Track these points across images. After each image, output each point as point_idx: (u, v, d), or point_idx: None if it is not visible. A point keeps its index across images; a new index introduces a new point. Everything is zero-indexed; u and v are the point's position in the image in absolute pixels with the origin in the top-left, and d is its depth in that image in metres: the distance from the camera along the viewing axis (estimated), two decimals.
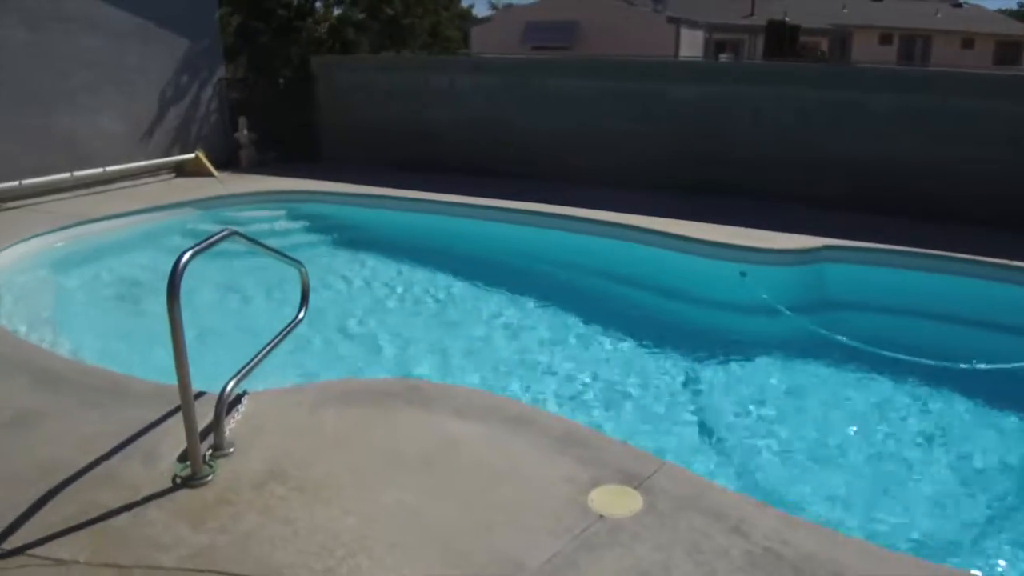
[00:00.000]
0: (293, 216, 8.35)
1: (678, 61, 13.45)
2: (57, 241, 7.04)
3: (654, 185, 8.68)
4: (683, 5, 24.89)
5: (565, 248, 7.34)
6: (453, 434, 3.37)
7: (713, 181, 8.58)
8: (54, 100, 8.61)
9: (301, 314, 4.09)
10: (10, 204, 8.02)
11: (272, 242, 7.76)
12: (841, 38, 29.61)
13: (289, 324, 3.94)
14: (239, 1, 11.16)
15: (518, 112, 9.57)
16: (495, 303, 6.63)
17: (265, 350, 3.57)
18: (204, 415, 3.22)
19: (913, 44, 33.77)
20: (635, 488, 3.02)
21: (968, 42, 34.65)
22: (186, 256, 2.82)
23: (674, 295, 6.66)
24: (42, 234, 6.95)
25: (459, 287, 6.99)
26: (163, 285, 2.76)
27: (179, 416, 3.45)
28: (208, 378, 3.49)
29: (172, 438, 3.27)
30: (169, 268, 2.79)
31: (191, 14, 9.98)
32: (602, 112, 9.07)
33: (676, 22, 23.44)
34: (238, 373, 3.34)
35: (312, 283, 6.85)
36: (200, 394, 3.63)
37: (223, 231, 3.24)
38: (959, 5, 38.84)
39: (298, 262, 4.14)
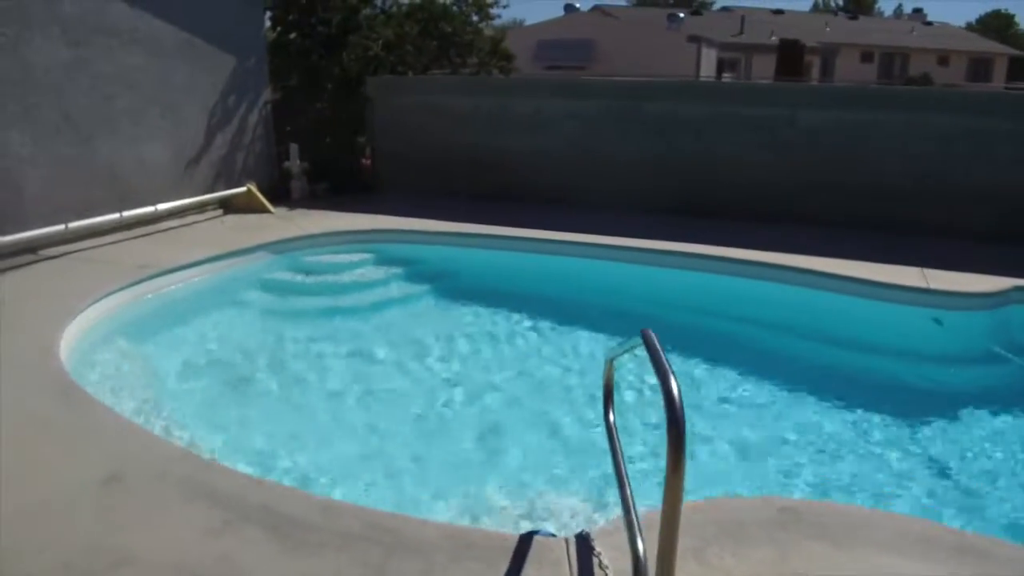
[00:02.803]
0: (383, 260, 7.21)
1: (805, 85, 12.77)
2: (129, 299, 5.80)
3: (780, 218, 7.86)
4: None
5: (723, 296, 6.40)
6: None
7: (846, 213, 7.84)
8: (94, 126, 7.35)
9: (612, 416, 3.06)
10: (53, 251, 6.74)
11: (371, 294, 6.75)
12: (829, 56, 29.65)
13: (611, 431, 2.92)
14: (278, 16, 10.00)
15: (613, 140, 8.64)
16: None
17: (623, 474, 2.56)
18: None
19: (892, 61, 34.13)
20: None
21: (943, 59, 35.22)
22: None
23: (870, 349, 5.78)
24: (113, 292, 5.71)
25: (604, 344, 5.93)
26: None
27: None
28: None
29: None
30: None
31: (238, 28, 8.82)
32: (717, 140, 8.21)
33: (697, 41, 22.88)
34: (633, 519, 2.32)
35: (439, 346, 5.89)
36: (533, 534, 2.60)
37: (641, 337, 2.26)
38: (930, 23, 39.58)
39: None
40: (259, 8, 9.14)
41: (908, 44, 34.63)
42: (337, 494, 3.49)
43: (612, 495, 3.68)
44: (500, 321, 6.22)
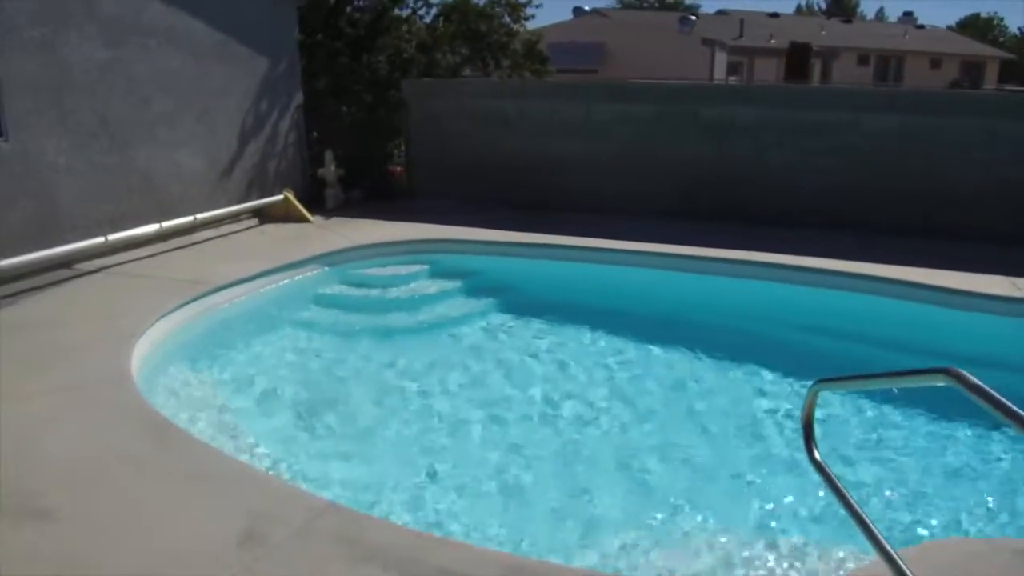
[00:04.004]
0: (442, 272, 6.81)
1: (869, 89, 12.54)
2: (187, 319, 5.37)
3: (844, 225, 7.56)
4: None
5: (810, 308, 6.07)
6: None
7: (912, 219, 7.56)
8: (131, 132, 6.91)
9: (817, 453, 2.72)
10: (88, 266, 6.29)
11: (438, 310, 6.33)
12: (829, 59, 29.64)
13: (823, 469, 2.58)
14: (305, 17, 9.57)
15: (667, 145, 8.32)
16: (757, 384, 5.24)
17: (862, 515, 2.23)
18: None
19: (887, 65, 34.23)
20: None
21: (936, 62, 35.39)
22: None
23: (976, 363, 5.45)
24: (172, 311, 5.28)
25: (694, 361, 5.59)
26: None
27: None
28: None
29: None
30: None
31: (271, 28, 8.40)
32: (776, 145, 7.92)
33: (711, 44, 22.63)
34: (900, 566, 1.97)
35: (527, 366, 5.48)
36: None
37: (937, 370, 1.88)
38: (921, 26, 39.81)
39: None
40: (292, 7, 8.72)
41: (902, 47, 34.77)
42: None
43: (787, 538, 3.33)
44: (582, 339, 5.86)
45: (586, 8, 27.54)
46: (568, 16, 26.73)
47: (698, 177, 8.22)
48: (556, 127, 8.73)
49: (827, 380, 2.78)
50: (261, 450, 3.87)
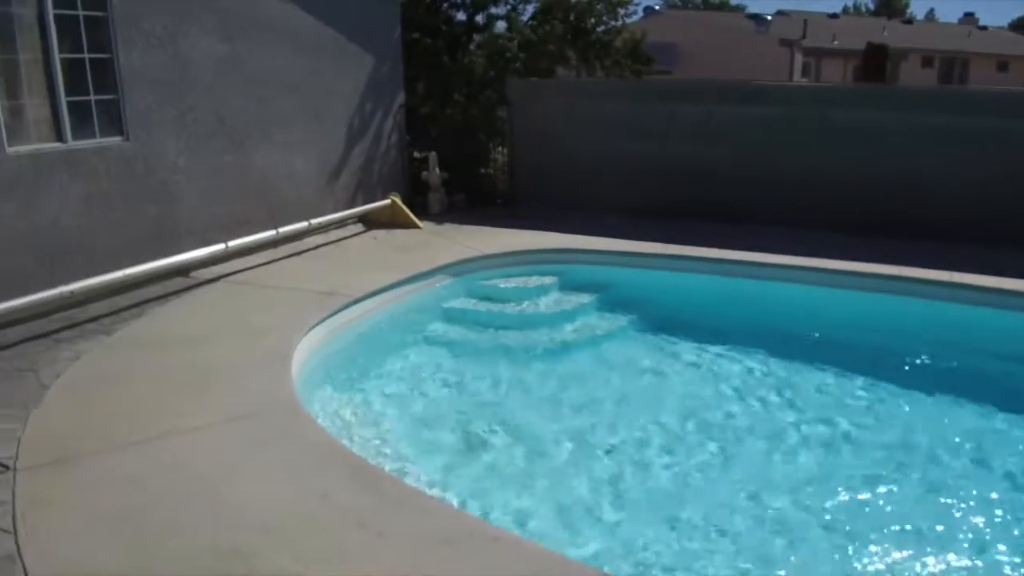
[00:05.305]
0: (577, 286, 6.31)
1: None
2: (328, 334, 4.93)
3: (992, 238, 6.86)
4: None
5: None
6: None
7: None
8: (247, 131, 6.53)
9: None
10: (206, 273, 5.89)
11: (577, 327, 5.77)
12: (896, 61, 28.61)
13: None
14: (402, 13, 9.14)
15: (793, 150, 7.72)
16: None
17: None
18: None
19: (952, 67, 33.09)
20: None
21: (1002, 64, 34.12)
22: None
23: None
24: (314, 327, 4.83)
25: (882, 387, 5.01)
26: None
27: None
28: None
29: None
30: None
31: (376, 26, 7.97)
32: (918, 151, 7.28)
33: (790, 45, 21.90)
34: None
35: (697, 395, 4.84)
36: None
37: None
38: (984, 27, 38.51)
39: None
40: (395, 4, 8.27)
41: (966, 49, 33.60)
42: None
43: None
44: (742, 360, 5.30)
45: (656, 7, 26.93)
46: (637, 17, 25.93)
47: (829, 185, 7.59)
48: (673, 129, 8.18)
49: None
50: (472, 497, 3.39)
